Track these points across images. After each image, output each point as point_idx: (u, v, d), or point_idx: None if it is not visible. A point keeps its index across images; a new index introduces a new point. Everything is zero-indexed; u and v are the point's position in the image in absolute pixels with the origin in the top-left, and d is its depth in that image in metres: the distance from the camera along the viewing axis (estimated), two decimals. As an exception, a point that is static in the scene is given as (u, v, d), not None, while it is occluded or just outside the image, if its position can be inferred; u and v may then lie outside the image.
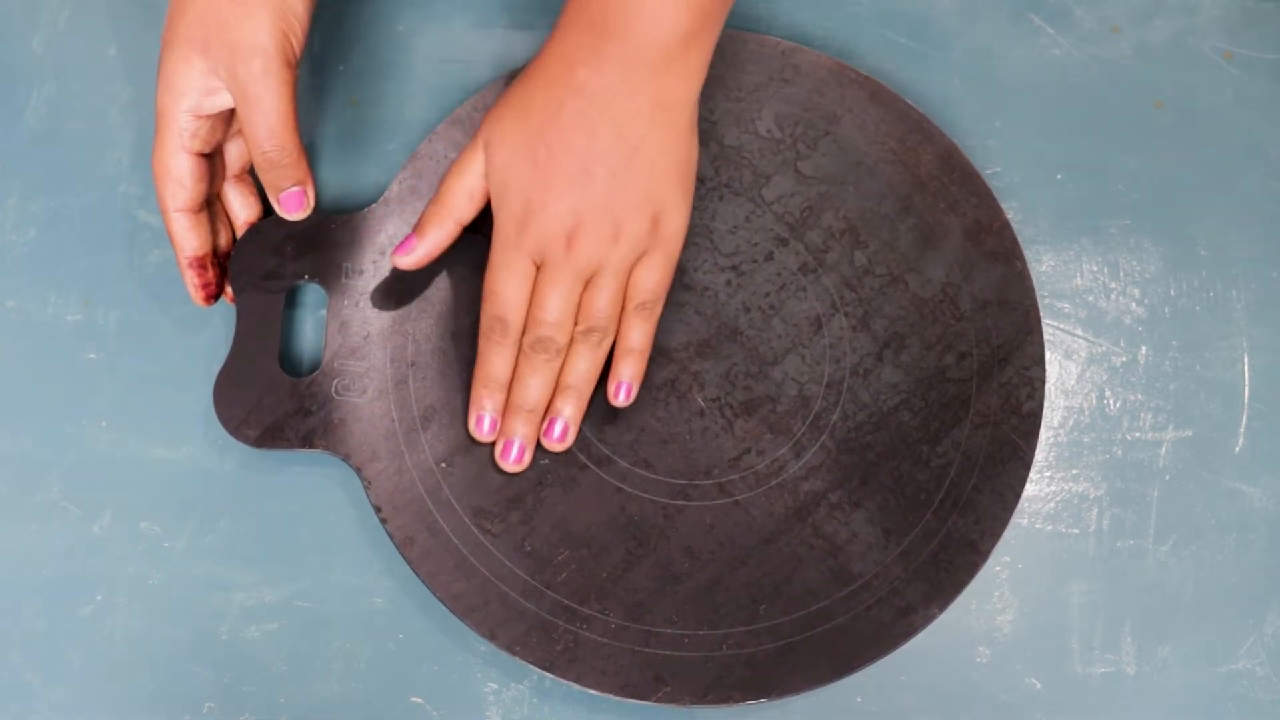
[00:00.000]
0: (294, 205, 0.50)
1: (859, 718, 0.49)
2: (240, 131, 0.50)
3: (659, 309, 0.49)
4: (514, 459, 0.49)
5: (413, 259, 0.49)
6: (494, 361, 0.49)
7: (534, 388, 0.48)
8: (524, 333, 0.48)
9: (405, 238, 0.50)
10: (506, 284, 0.48)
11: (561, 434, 0.49)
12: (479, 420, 0.49)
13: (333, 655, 0.49)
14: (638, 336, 0.49)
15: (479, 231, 0.52)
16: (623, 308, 0.49)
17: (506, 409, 0.49)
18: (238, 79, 0.46)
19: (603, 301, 0.48)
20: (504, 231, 0.48)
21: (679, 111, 0.47)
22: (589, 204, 0.46)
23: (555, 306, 0.48)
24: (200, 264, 0.50)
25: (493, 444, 0.49)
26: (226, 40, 0.46)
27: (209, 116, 0.48)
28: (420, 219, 0.50)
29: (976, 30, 0.58)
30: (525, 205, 0.47)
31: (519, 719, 0.48)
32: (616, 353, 0.50)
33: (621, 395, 0.50)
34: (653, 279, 0.48)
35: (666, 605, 0.48)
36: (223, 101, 0.47)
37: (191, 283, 0.50)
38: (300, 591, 0.49)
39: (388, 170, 0.54)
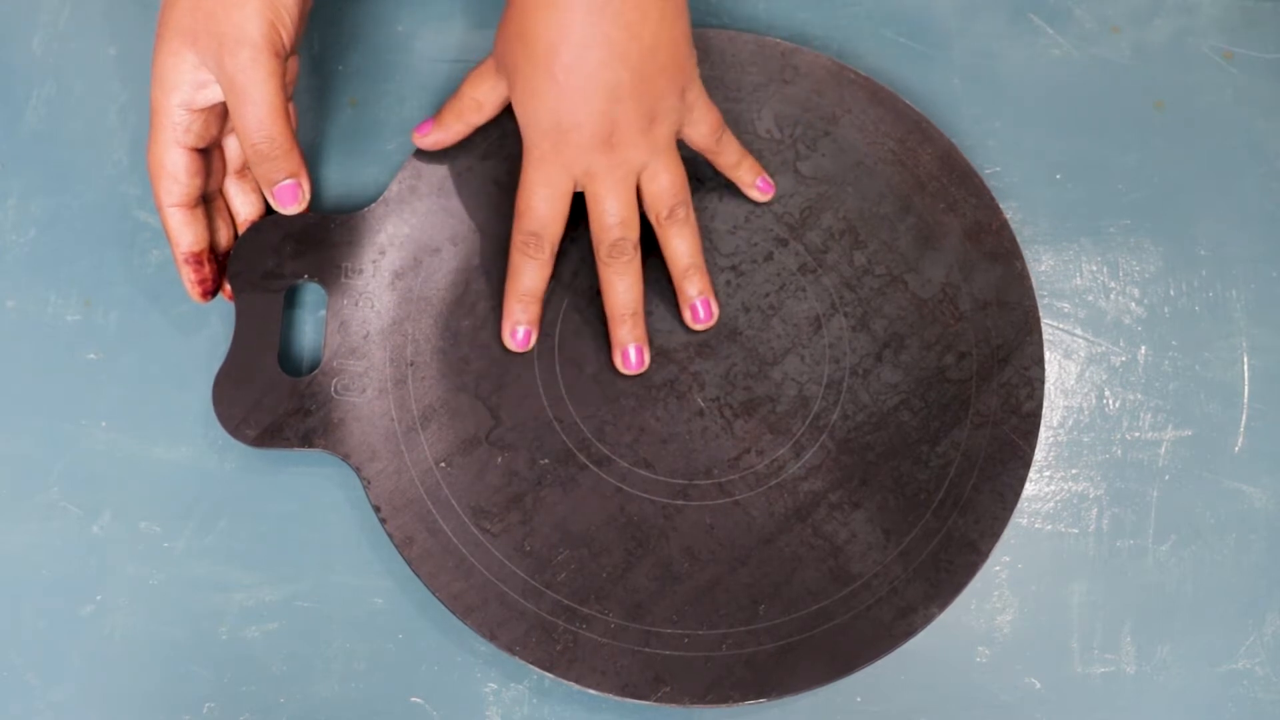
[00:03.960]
0: (288, 198, 0.49)
1: (859, 718, 0.49)
2: None
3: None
4: (635, 365, 0.50)
5: (426, 143, 0.52)
6: (527, 275, 0.50)
7: (626, 291, 0.50)
8: (597, 245, 0.50)
9: (425, 121, 0.52)
10: (543, 200, 0.49)
11: (707, 313, 0.51)
12: (513, 332, 0.50)
13: (333, 655, 0.48)
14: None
15: (493, 237, 0.52)
16: (656, 219, 0.50)
17: (613, 321, 0.50)
18: (225, 70, 0.46)
19: (665, 182, 0.49)
20: (538, 150, 0.49)
21: None
22: (620, 108, 0.47)
23: (616, 208, 0.49)
24: (196, 260, 0.50)
25: (489, 443, 0.49)
26: (214, 32, 0.46)
27: (202, 110, 0.48)
28: (440, 111, 0.52)
29: (976, 30, 0.58)
30: (556, 124, 0.48)
31: (519, 719, 0.48)
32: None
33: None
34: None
35: (666, 605, 0.48)
36: (215, 95, 0.47)
37: (188, 279, 0.50)
38: (300, 591, 0.49)
39: (387, 170, 0.54)
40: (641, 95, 0.48)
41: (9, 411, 0.51)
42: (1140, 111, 0.57)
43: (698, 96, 0.50)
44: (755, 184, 0.53)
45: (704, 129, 0.51)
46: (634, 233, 0.49)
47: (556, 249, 0.50)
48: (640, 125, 0.48)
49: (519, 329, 0.50)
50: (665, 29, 0.47)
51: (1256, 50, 0.58)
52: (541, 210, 0.49)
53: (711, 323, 0.51)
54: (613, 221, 0.49)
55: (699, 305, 0.51)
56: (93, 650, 0.48)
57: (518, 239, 0.49)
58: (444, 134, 0.52)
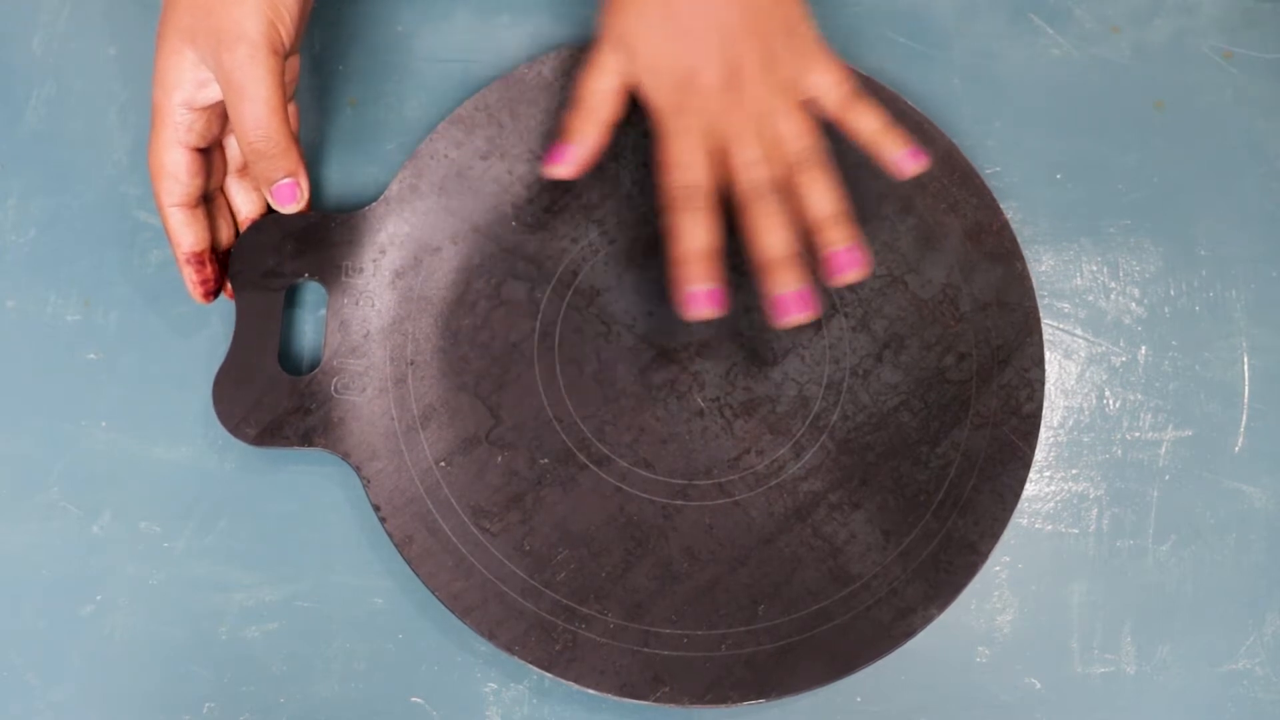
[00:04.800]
0: (286, 197, 0.49)
1: (859, 718, 0.49)
2: None
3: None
4: (804, 307, 0.46)
5: (569, 167, 0.49)
6: (696, 232, 0.47)
7: (778, 234, 0.47)
8: (742, 193, 0.47)
9: (554, 147, 0.49)
10: (690, 150, 0.48)
11: (856, 259, 0.47)
12: (698, 298, 0.46)
13: (333, 655, 0.49)
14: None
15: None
16: (786, 168, 0.48)
17: (769, 267, 0.47)
18: (223, 67, 0.46)
19: (792, 126, 0.48)
20: (671, 102, 0.48)
21: None
22: (742, 49, 0.47)
23: (754, 147, 0.48)
24: (198, 260, 0.50)
25: (489, 442, 0.49)
26: (212, 29, 0.46)
27: (203, 109, 0.48)
28: (568, 126, 0.49)
29: (976, 30, 0.58)
30: (683, 77, 0.47)
31: (519, 719, 0.48)
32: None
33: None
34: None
35: (666, 605, 0.48)
36: (215, 93, 0.47)
37: (189, 279, 0.50)
38: (300, 591, 0.49)
39: (388, 170, 0.54)
40: (755, 32, 0.47)
41: (9, 411, 0.51)
42: (1140, 111, 0.57)
43: (813, 37, 0.49)
44: (903, 154, 0.48)
45: (830, 79, 0.48)
46: (777, 170, 0.47)
47: (715, 200, 0.47)
48: (764, 64, 0.47)
49: (702, 289, 0.46)
50: None
51: (1256, 50, 0.58)
52: (693, 161, 0.47)
53: (863, 273, 0.47)
54: (754, 159, 0.47)
55: (846, 253, 0.47)
56: (93, 650, 0.48)
57: (676, 195, 0.47)
58: (584, 144, 0.49)
